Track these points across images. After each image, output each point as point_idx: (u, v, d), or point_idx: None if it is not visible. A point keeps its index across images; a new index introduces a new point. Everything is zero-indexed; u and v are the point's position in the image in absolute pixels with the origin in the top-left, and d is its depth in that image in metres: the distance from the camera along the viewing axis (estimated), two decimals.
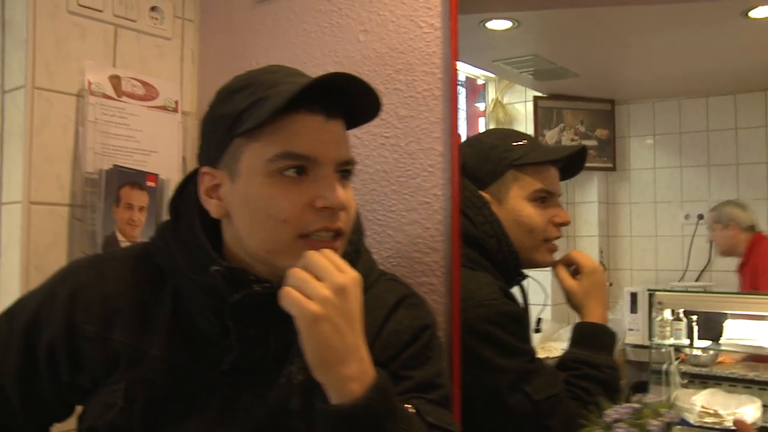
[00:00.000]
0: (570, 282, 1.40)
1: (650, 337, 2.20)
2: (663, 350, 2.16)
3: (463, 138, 1.45)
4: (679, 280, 3.17)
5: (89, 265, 1.06)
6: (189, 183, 1.03)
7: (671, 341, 2.18)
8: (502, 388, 1.24)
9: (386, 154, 1.39)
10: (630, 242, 3.37)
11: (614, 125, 3.39)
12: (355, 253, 1.04)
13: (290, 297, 0.84)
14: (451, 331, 1.26)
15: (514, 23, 2.26)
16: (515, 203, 1.38)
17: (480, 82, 3.06)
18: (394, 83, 1.38)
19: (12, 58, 1.55)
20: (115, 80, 1.58)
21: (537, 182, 1.38)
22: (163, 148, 1.64)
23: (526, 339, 1.34)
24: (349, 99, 0.94)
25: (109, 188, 1.47)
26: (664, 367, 2.13)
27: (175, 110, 1.68)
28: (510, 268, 1.36)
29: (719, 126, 3.23)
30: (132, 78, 1.62)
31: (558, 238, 1.38)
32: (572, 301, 1.41)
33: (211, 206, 0.97)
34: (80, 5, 1.56)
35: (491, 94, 3.16)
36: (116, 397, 0.97)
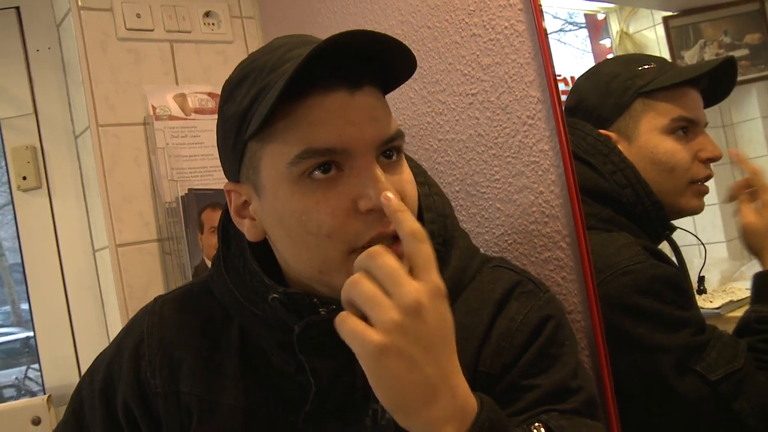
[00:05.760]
0: (748, 216, 1.09)
1: None
2: None
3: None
4: None
5: (151, 311, 0.94)
6: None
7: None
8: (666, 370, 0.98)
9: (477, 114, 1.16)
10: None
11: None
12: (445, 245, 0.83)
13: (345, 327, 0.63)
14: (590, 311, 1.02)
15: None
16: (648, 138, 1.10)
17: (600, 16, 2.75)
18: (469, 29, 1.15)
19: (75, 100, 1.48)
20: (181, 98, 1.48)
21: (675, 109, 1.10)
22: None
23: (689, 305, 1.06)
24: (375, 60, 0.73)
25: (188, 215, 1.36)
26: None
27: None
28: (654, 222, 1.09)
29: None
30: (198, 93, 1.50)
31: (708, 177, 1.09)
32: (749, 242, 1.11)
33: (245, 228, 0.80)
34: (129, 29, 1.46)
35: (614, 26, 2.84)
36: None
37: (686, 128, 1.10)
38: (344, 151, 0.71)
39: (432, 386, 0.63)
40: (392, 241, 0.71)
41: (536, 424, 0.74)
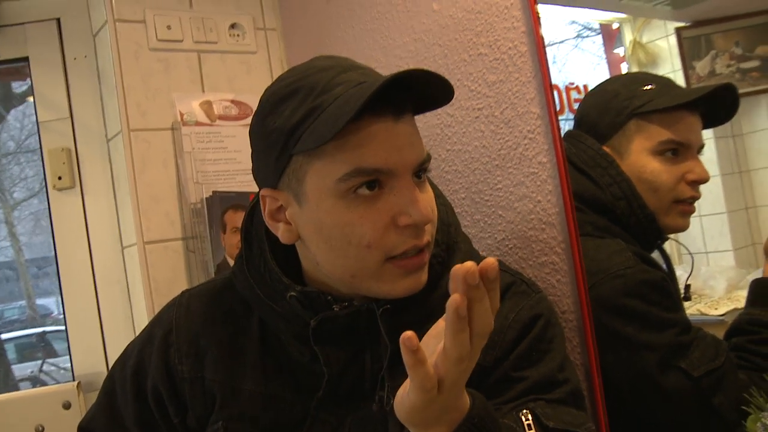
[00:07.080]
0: None
1: None
2: None
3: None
4: None
5: (179, 303, 1.03)
6: (258, 206, 0.94)
7: None
8: (651, 367, 1.06)
9: (482, 128, 1.25)
10: None
11: None
12: (448, 251, 0.92)
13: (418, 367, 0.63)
14: (581, 312, 1.11)
15: None
16: (637, 158, 1.18)
17: (615, 26, 2.79)
18: (477, 48, 1.24)
19: (108, 106, 1.58)
20: (206, 105, 1.57)
21: (664, 132, 1.16)
22: None
23: (675, 308, 1.14)
24: (415, 89, 0.81)
25: (212, 215, 1.46)
26: None
27: None
28: (646, 232, 1.17)
29: None
30: (223, 100, 1.60)
31: (694, 199, 1.16)
32: None
33: (279, 231, 0.87)
34: (160, 40, 1.56)
35: (628, 36, 2.87)
36: None
37: (676, 150, 1.16)
38: (388, 172, 0.79)
39: (446, 409, 0.69)
40: (421, 249, 0.82)
41: (524, 411, 0.82)
